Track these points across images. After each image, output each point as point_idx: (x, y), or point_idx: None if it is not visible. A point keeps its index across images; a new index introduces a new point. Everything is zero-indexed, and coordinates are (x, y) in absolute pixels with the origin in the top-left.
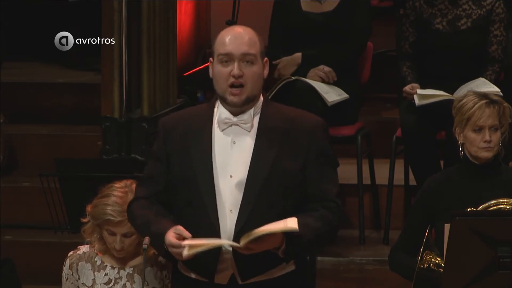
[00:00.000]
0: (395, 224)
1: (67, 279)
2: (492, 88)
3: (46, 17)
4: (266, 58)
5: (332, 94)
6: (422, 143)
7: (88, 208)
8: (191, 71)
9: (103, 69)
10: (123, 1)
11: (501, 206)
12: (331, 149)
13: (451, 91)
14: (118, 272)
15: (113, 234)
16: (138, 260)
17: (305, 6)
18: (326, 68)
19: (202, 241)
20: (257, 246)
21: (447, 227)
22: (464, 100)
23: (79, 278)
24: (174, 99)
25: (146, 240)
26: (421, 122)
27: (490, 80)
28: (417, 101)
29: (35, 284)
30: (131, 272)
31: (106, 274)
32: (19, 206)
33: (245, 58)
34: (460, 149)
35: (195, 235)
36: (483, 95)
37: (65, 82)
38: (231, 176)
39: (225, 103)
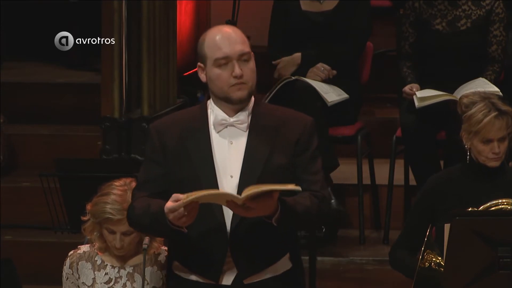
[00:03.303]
0: (395, 224)
1: (67, 278)
2: (492, 88)
3: (46, 17)
4: (252, 53)
5: (332, 94)
6: (422, 143)
7: (88, 207)
8: (191, 71)
9: (103, 69)
10: (123, 1)
11: (501, 206)
12: (318, 148)
13: (451, 91)
14: (119, 271)
15: (113, 232)
16: (139, 259)
17: (305, 5)
18: (325, 67)
19: (200, 192)
20: (255, 206)
21: (447, 227)
22: (473, 111)
23: (79, 278)
24: (174, 99)
25: (146, 240)
26: (421, 122)
27: (490, 80)
28: (416, 104)
29: (35, 284)
30: (131, 271)
31: (106, 273)
32: (19, 206)
33: (242, 58)
34: (468, 153)
35: (201, 236)
36: (492, 104)
37: (65, 82)
38: (231, 177)
39: (227, 102)
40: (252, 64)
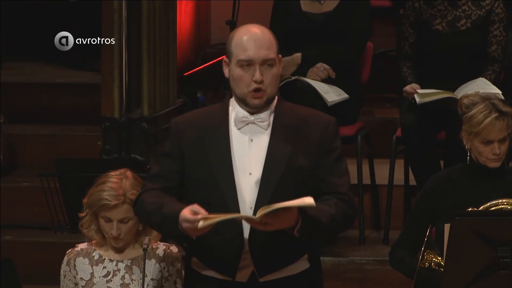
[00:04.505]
0: (395, 224)
1: (65, 276)
2: (493, 90)
3: (46, 17)
4: (280, 55)
5: (332, 94)
6: (422, 143)
7: (85, 199)
8: (191, 71)
9: (103, 69)
10: (123, 1)
11: (501, 206)
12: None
13: (452, 91)
14: (117, 265)
15: (109, 220)
16: (136, 252)
17: (305, 6)
18: (325, 66)
19: (218, 215)
20: (273, 221)
21: (447, 227)
22: (473, 111)
23: (77, 274)
24: (174, 99)
25: (146, 240)
26: (421, 122)
27: (490, 80)
28: (418, 100)
29: (35, 284)
30: (129, 264)
31: (104, 267)
32: (19, 206)
33: (266, 63)
34: (468, 153)
35: (218, 233)
36: (493, 105)
37: (65, 82)
38: (250, 174)
39: (244, 104)
40: (275, 70)
